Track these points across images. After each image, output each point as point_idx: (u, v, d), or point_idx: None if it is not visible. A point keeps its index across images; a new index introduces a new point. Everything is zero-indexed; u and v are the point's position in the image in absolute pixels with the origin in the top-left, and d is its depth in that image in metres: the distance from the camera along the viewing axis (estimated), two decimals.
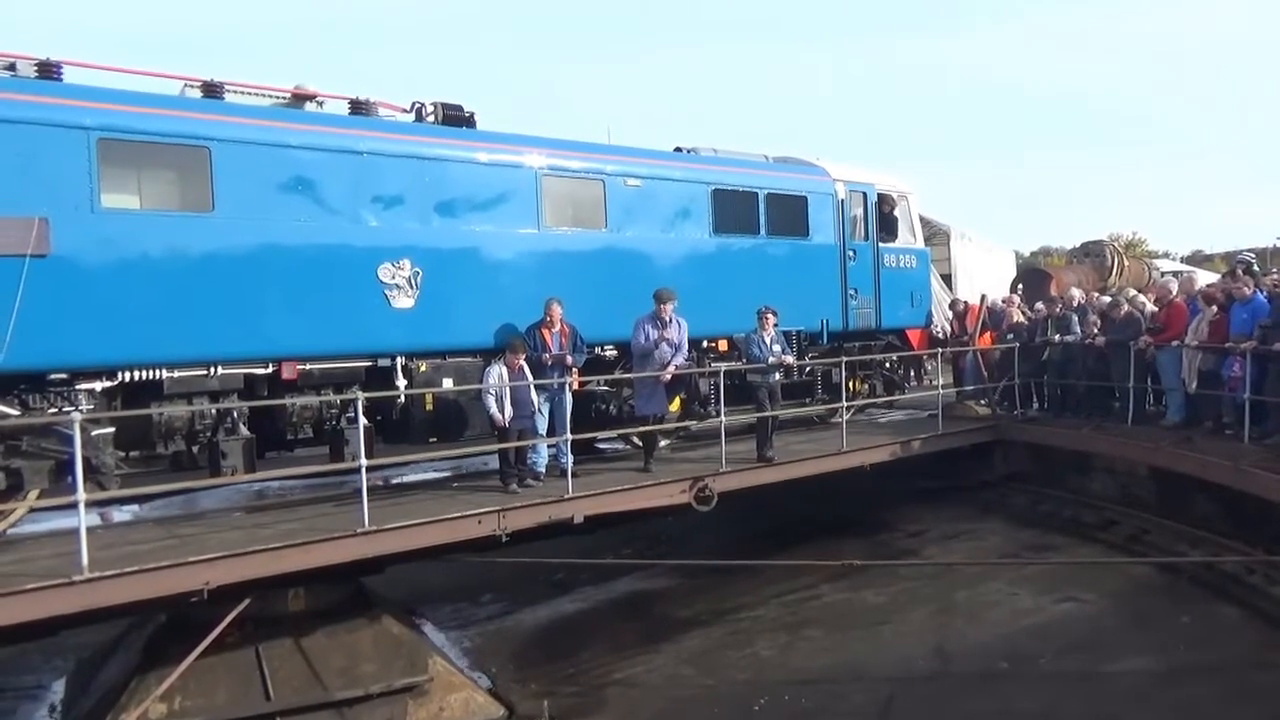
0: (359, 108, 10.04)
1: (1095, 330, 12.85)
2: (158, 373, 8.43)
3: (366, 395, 8.75)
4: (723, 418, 10.47)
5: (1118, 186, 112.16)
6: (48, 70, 8.18)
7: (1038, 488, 13.40)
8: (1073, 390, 13.43)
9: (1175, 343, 11.67)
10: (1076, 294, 14.08)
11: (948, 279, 21.22)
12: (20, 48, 8.25)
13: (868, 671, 9.08)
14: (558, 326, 9.91)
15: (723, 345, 12.36)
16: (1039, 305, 14.62)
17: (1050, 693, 8.34)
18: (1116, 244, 30.20)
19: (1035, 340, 13.80)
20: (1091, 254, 26.57)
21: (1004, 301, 15.51)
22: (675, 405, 11.23)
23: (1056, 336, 13.36)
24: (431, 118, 10.50)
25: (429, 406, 9.86)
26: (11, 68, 8.11)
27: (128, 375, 8.31)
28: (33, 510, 8.02)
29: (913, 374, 17.02)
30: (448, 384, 9.86)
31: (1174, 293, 12.42)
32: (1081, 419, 13.01)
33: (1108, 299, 14.03)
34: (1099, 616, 9.71)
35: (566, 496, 9.12)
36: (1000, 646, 9.23)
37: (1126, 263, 26.52)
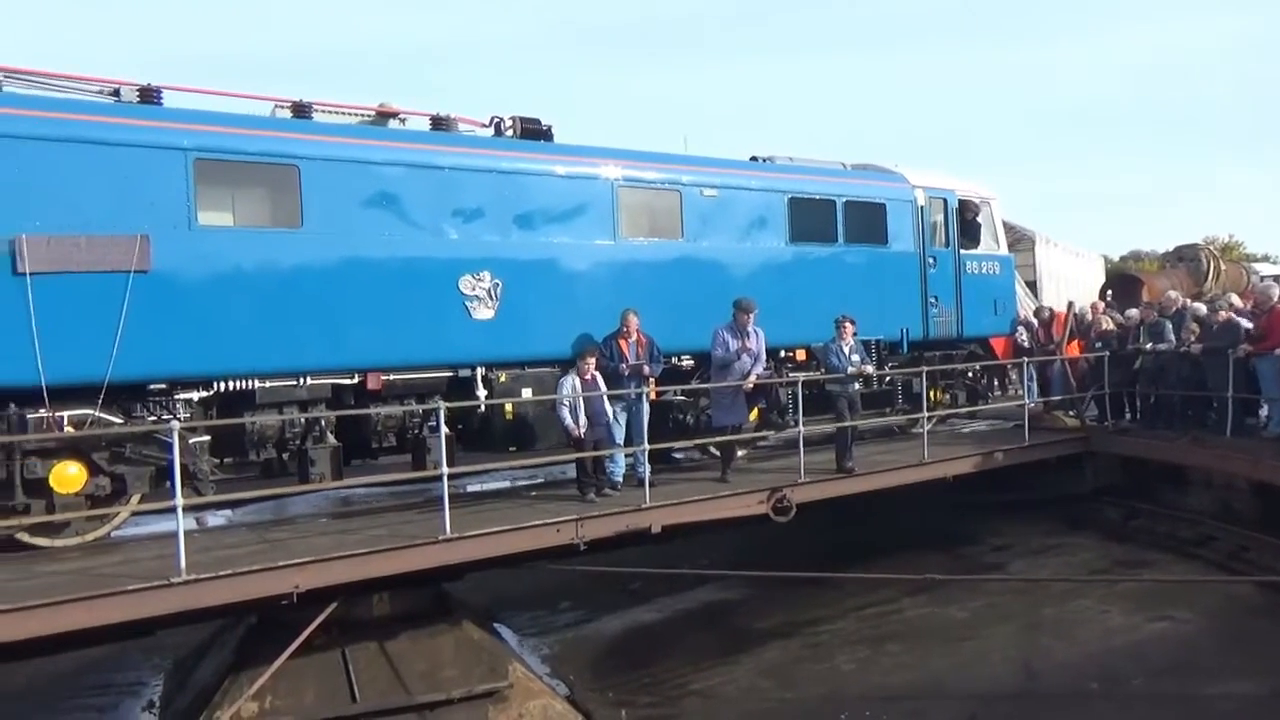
0: (440, 124, 10.26)
1: (1192, 338, 12.36)
2: (250, 383, 8.73)
3: (448, 405, 8.91)
4: (801, 428, 10.38)
5: (1213, 186, 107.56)
6: (149, 95, 8.58)
7: (1130, 501, 12.97)
8: (1167, 400, 12.94)
9: (1277, 351, 11.16)
10: (1176, 297, 13.55)
11: (1033, 285, 20.71)
12: (126, 74, 8.67)
13: (950, 689, 8.89)
14: (634, 337, 9.95)
15: (800, 355, 12.26)
16: (1131, 312, 14.14)
17: (1144, 715, 8.06)
18: (1212, 247, 29.06)
19: (1127, 348, 13.35)
20: (1186, 258, 25.61)
21: (1092, 308, 15.05)
22: (753, 415, 11.18)
23: (1149, 345, 12.90)
24: (510, 132, 10.67)
25: (509, 416, 9.99)
26: (116, 93, 8.54)
27: (223, 385, 8.65)
28: (135, 514, 8.42)
29: (996, 383, 16.61)
30: (527, 394, 10.00)
31: (1274, 298, 11.88)
32: (1177, 430, 12.53)
33: (1203, 305, 13.51)
34: (1196, 637, 9.33)
35: (644, 506, 9.14)
36: (1090, 666, 8.94)
37: (1223, 267, 25.47)
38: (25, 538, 7.86)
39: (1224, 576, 10.50)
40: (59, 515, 7.74)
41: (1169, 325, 12.86)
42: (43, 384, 7.46)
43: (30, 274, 7.48)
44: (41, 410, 7.56)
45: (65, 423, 7.68)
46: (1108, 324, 14.19)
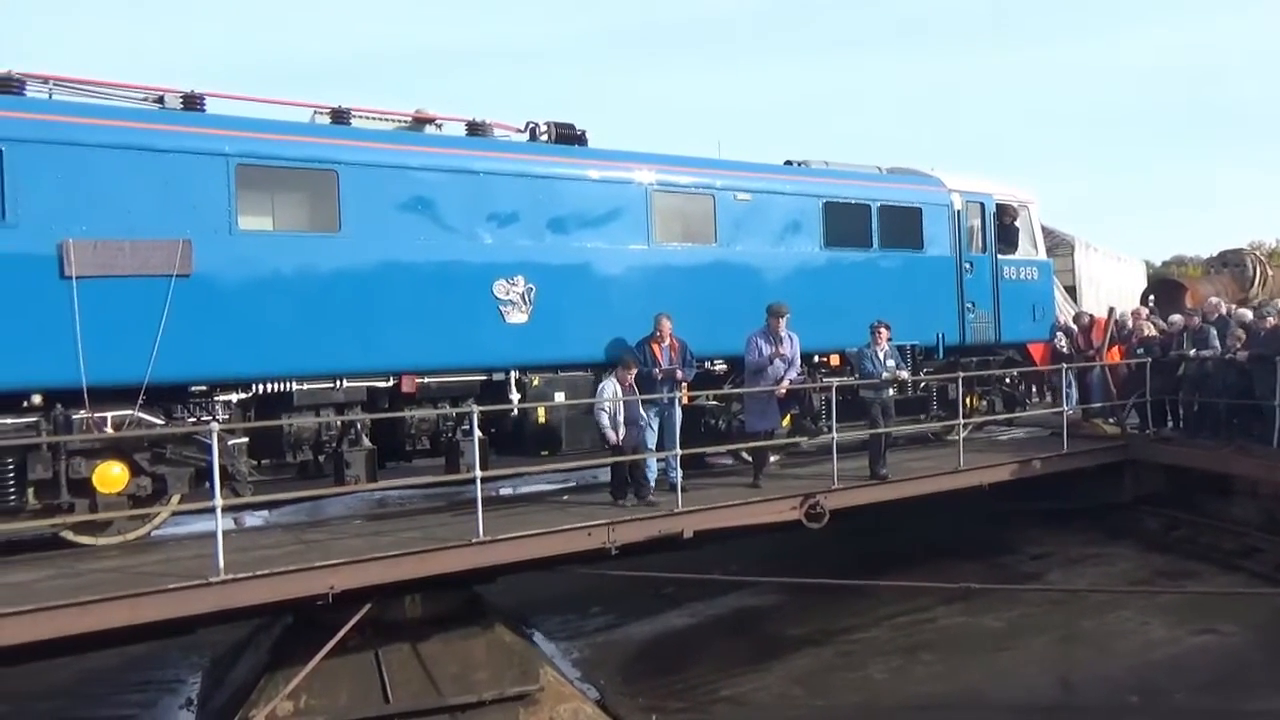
0: (475, 129, 10.33)
1: (1238, 344, 12.11)
2: (288, 385, 8.85)
3: (481, 409, 8.97)
4: (834, 434, 10.32)
5: (1259, 189, 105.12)
6: (192, 102, 8.73)
7: (1172, 511, 12.70)
8: (1211, 408, 12.68)
9: None
10: (1219, 303, 13.28)
11: (1072, 291, 20.44)
12: (170, 80, 8.84)
13: (986, 699, 8.78)
14: (668, 341, 9.94)
15: (834, 360, 12.18)
16: (1174, 318, 13.89)
17: None
18: (1258, 252, 28.48)
19: (1169, 355, 13.10)
20: (1231, 263, 25.20)
21: (1133, 314, 14.81)
22: (786, 421, 11.13)
23: (1193, 351, 12.65)
24: (545, 137, 10.73)
25: (541, 420, 10.04)
26: (160, 100, 8.70)
27: (261, 388, 8.77)
28: (175, 514, 8.57)
29: (1034, 390, 16.38)
30: (559, 398, 10.02)
31: None
32: (1221, 439, 12.27)
33: (1249, 311, 13.22)
34: (1242, 650, 9.13)
35: (676, 511, 9.12)
36: (1130, 679, 8.78)
37: (1270, 272, 24.99)
38: (69, 536, 8.03)
39: (1271, 589, 10.26)
40: (102, 514, 7.91)
41: (1213, 331, 12.61)
42: (83, 385, 7.61)
43: (76, 277, 7.64)
44: (84, 411, 7.71)
45: (108, 423, 7.84)
46: (1150, 330, 13.95)
